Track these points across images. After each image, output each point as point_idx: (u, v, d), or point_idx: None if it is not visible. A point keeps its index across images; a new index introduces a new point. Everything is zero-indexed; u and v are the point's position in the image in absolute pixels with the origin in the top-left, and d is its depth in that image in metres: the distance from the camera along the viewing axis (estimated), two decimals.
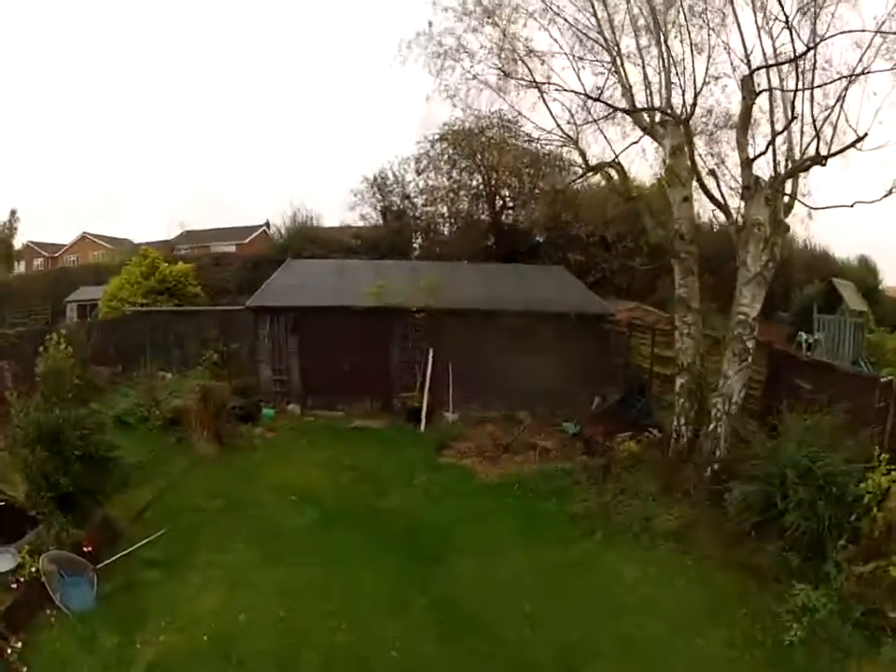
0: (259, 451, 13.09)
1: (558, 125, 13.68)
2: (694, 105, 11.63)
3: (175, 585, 8.10)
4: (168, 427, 13.82)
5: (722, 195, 11.75)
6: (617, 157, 13.30)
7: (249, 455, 12.90)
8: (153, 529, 9.38)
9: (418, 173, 24.66)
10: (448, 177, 24.81)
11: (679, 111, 11.74)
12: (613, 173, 13.73)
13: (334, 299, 16.14)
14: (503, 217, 25.50)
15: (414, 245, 26.04)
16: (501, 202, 25.28)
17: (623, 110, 12.55)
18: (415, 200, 26.25)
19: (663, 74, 11.83)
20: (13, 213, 48.66)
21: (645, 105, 12.22)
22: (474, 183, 25.30)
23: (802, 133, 10.75)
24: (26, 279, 37.27)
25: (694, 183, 11.95)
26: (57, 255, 48.63)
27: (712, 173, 12.09)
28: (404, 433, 14.47)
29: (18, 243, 49.46)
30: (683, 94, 11.79)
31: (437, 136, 24.28)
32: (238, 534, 9.64)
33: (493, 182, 24.81)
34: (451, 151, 24.47)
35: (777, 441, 8.90)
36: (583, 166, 13.88)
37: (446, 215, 26.22)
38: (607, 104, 12.45)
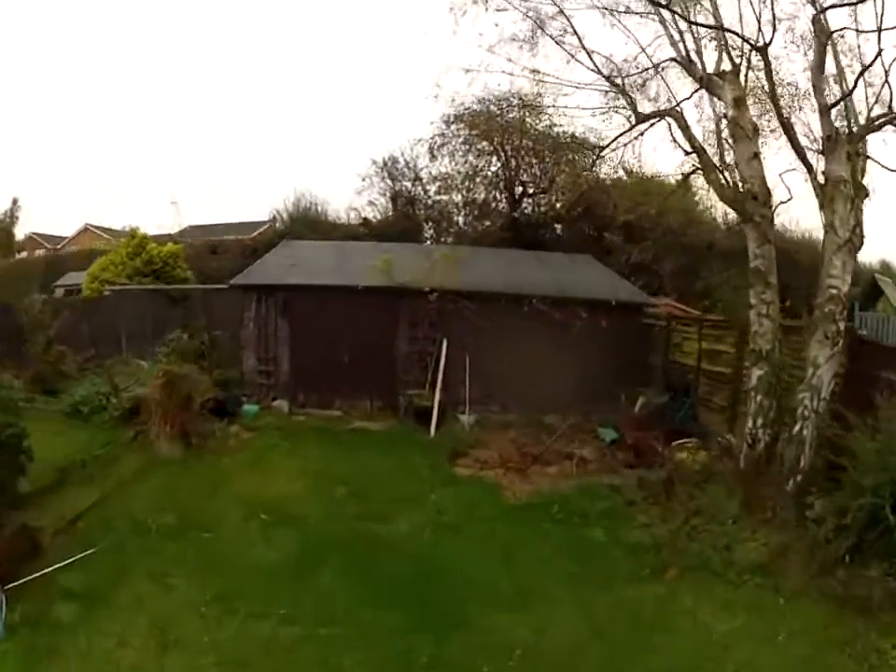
0: (232, 454, 10.22)
1: (601, 73, 11.15)
2: (774, 30, 9.30)
3: (89, 631, 5.76)
4: (127, 420, 11.29)
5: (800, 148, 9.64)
6: (678, 103, 10.83)
7: (219, 458, 10.05)
8: (82, 545, 7.19)
9: (432, 154, 21.83)
10: (464, 161, 22.03)
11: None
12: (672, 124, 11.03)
13: (332, 277, 13.33)
14: (523, 205, 22.68)
15: (425, 234, 23.23)
16: (521, 188, 22.47)
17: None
18: (428, 187, 23.48)
19: None
20: (15, 201, 46.07)
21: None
22: (492, 169, 22.50)
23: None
24: (20, 264, 34.78)
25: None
26: (59, 246, 46.23)
27: (785, 124, 9.87)
28: (411, 437, 11.52)
29: (20, 233, 46.87)
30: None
31: (452, 116, 21.55)
32: (183, 565, 6.97)
33: (513, 167, 22.03)
34: (467, 133, 21.74)
35: (882, 443, 6.69)
36: (634, 117, 11.20)
37: (461, 204, 23.40)
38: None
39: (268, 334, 12.91)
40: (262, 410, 12.40)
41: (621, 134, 11.63)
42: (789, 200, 11.25)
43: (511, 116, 21.14)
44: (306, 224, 21.85)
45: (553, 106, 13.72)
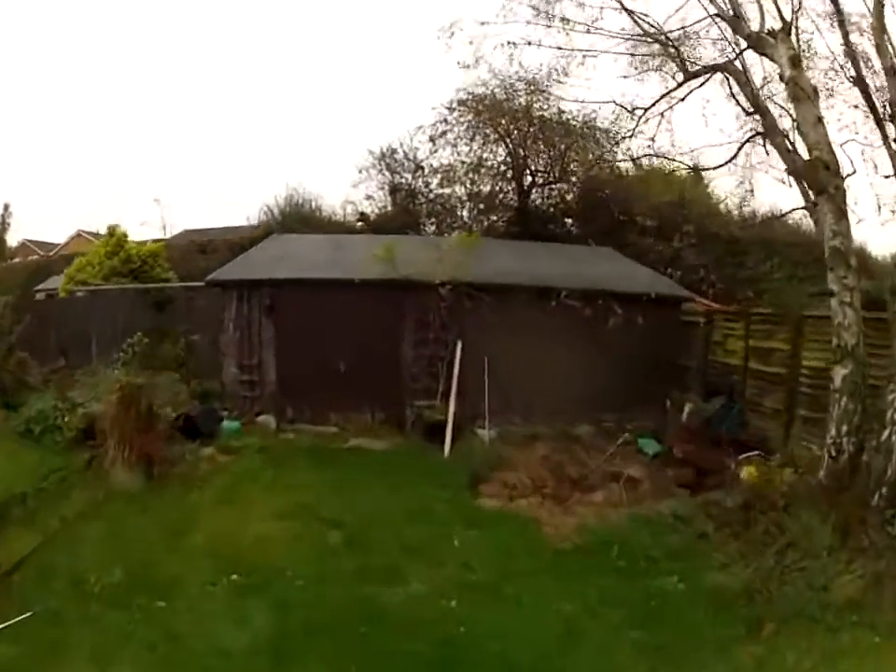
0: (203, 485, 8.13)
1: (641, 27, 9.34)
2: None
3: None
4: (82, 442, 9.26)
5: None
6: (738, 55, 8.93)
7: (188, 491, 7.98)
8: (18, 606, 5.39)
9: (432, 142, 19.75)
10: (468, 150, 19.99)
11: None
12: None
13: (325, 271, 11.26)
14: (531, 197, 20.63)
15: (427, 230, 21.16)
16: (531, 178, 20.43)
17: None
18: (429, 179, 21.38)
19: None
20: (6, 207, 43.74)
21: None
22: (498, 158, 20.46)
23: None
24: (4, 269, 32.73)
25: None
26: (52, 253, 44.14)
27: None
28: (422, 459, 9.42)
29: (13, 240, 44.65)
30: None
31: (455, 102, 19.57)
32: (129, 643, 5.00)
33: (521, 155, 20.00)
34: (471, 119, 19.75)
35: None
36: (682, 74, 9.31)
37: (464, 197, 21.32)
38: None
39: (251, 338, 10.84)
40: (245, 426, 10.32)
41: (667, 93, 9.78)
42: (852, 174, 9.71)
43: (518, 101, 19.40)
44: (299, 220, 19.74)
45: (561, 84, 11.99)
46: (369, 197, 21.26)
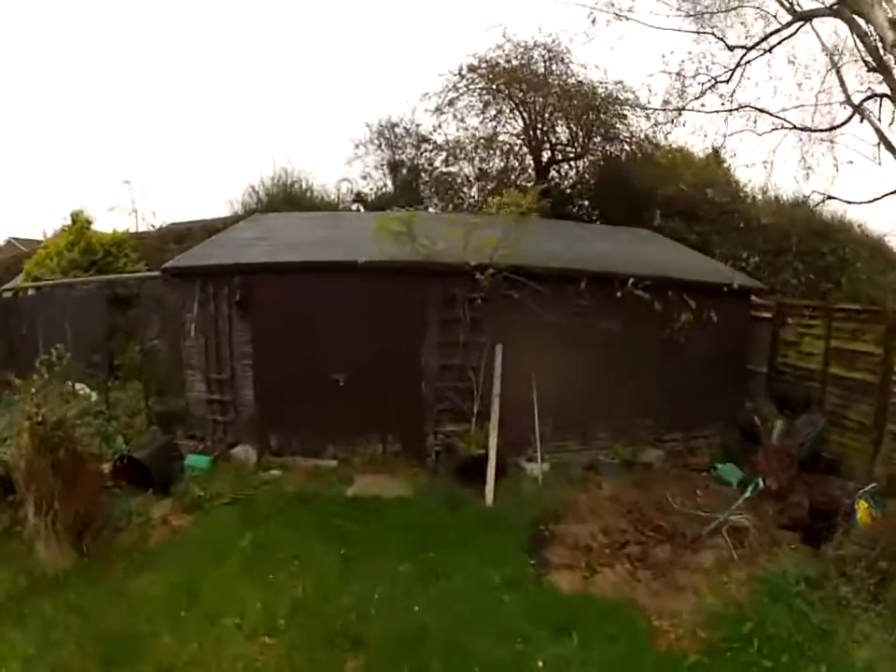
0: (155, 565, 5.50)
1: None
2: None
3: None
4: (2, 497, 6.48)
5: None
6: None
7: (134, 574, 5.37)
8: None
9: (440, 113, 17.05)
10: (479, 121, 17.33)
11: None
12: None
13: (316, 252, 8.52)
14: (551, 173, 18.02)
15: (432, 209, 18.51)
16: (550, 153, 17.78)
17: None
18: (432, 156, 18.69)
19: None
20: None
21: None
22: (512, 131, 17.81)
23: None
24: None
25: None
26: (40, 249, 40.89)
27: None
28: (457, 510, 6.74)
29: None
30: None
31: (466, 67, 16.89)
32: None
33: (540, 129, 17.35)
34: (484, 87, 17.08)
35: None
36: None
37: (472, 177, 18.69)
38: None
39: (219, 345, 8.16)
40: (216, 462, 7.70)
41: (772, 33, 7.29)
42: None
43: (536, 67, 16.75)
44: (287, 201, 16.98)
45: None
46: (366, 175, 18.51)
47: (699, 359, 8.60)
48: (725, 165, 18.29)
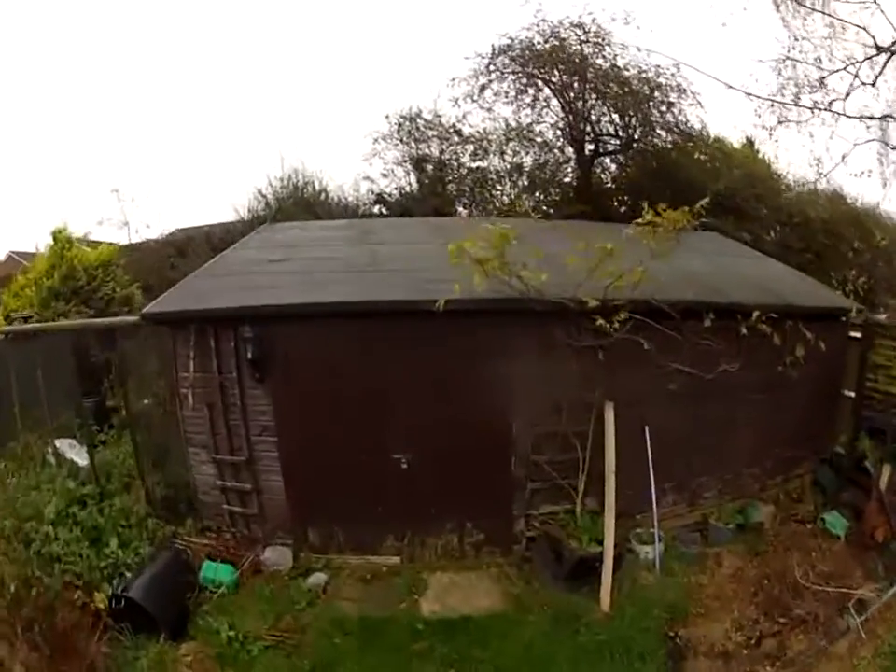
0: None
1: None
2: None
3: None
4: None
5: None
6: None
7: None
8: None
9: (471, 100, 15.07)
10: (512, 110, 15.37)
11: None
12: None
13: (358, 286, 6.39)
14: (595, 168, 16.07)
15: (460, 211, 16.52)
16: (594, 146, 15.78)
17: None
18: (458, 150, 16.71)
19: None
20: None
21: None
22: (550, 120, 15.84)
23: None
24: None
25: None
26: None
27: None
28: (567, 625, 5.14)
29: None
30: None
31: (498, 49, 14.95)
32: None
33: (582, 116, 15.36)
34: (518, 71, 15.15)
35: None
36: None
37: (501, 171, 16.71)
38: None
39: (229, 417, 6.12)
40: (243, 573, 5.84)
41: None
42: None
43: (574, 50, 14.79)
44: (300, 206, 15.01)
45: None
46: (387, 173, 16.47)
47: (800, 393, 7.13)
48: (762, 156, 16.72)
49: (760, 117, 10.81)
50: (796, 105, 9.22)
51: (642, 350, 5.77)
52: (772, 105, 9.74)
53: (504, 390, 5.92)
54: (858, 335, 8.20)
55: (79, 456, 7.87)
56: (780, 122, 9.98)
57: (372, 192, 16.30)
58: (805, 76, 9.13)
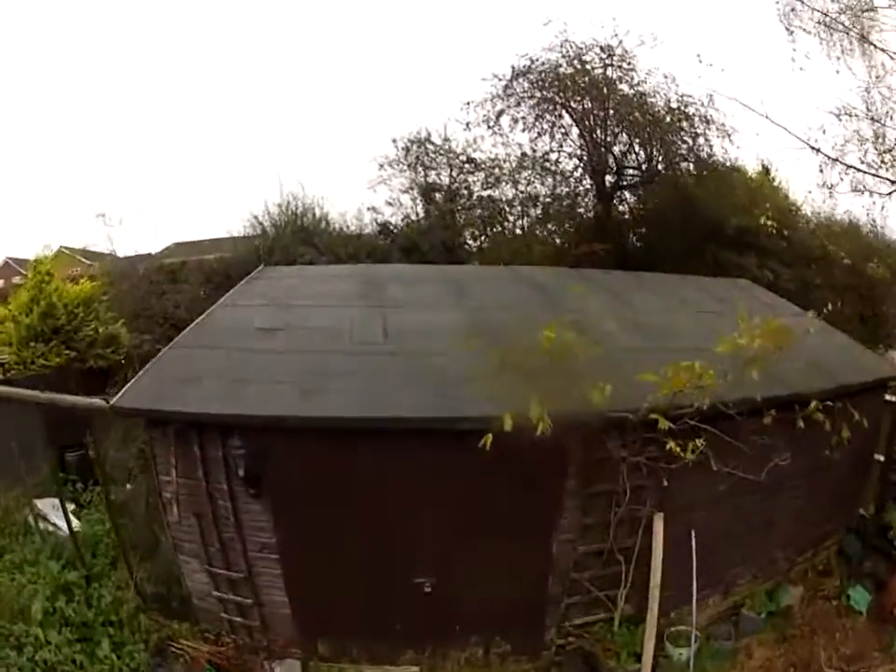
0: None
1: None
2: None
3: None
4: None
5: None
6: None
7: None
8: None
9: (488, 126, 14.31)
10: (536, 135, 14.61)
11: None
12: None
13: (371, 390, 5.38)
14: (616, 200, 15.31)
15: (469, 244, 15.69)
16: (615, 178, 15.02)
17: None
18: (468, 178, 15.94)
19: None
20: None
21: None
22: (569, 149, 15.10)
23: None
24: None
25: None
26: None
27: None
28: None
29: None
30: None
31: (518, 69, 14.24)
32: None
33: (603, 145, 14.62)
34: (539, 95, 14.42)
35: None
36: None
37: (514, 200, 15.92)
38: None
39: (221, 531, 5.38)
40: None
41: None
42: None
43: (595, 73, 14.07)
44: (298, 235, 14.13)
45: None
46: (392, 202, 15.68)
47: (837, 468, 6.66)
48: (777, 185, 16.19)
49: (822, 172, 10.13)
50: (876, 175, 8.44)
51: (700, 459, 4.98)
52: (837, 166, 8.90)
53: (543, 509, 5.12)
54: (893, 399, 7.72)
55: (64, 520, 7.17)
56: (856, 190, 9.20)
57: (377, 222, 15.50)
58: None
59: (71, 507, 7.54)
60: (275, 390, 5.30)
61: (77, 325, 10.93)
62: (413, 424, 4.94)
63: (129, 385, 5.71)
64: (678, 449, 4.60)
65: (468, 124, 14.74)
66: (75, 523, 7.06)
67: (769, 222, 13.83)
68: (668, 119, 13.91)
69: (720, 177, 14.29)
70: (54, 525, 7.33)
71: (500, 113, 14.09)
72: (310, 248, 13.71)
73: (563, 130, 14.68)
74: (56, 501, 7.41)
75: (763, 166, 16.12)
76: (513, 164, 15.51)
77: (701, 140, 14.02)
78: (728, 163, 14.47)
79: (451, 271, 9.94)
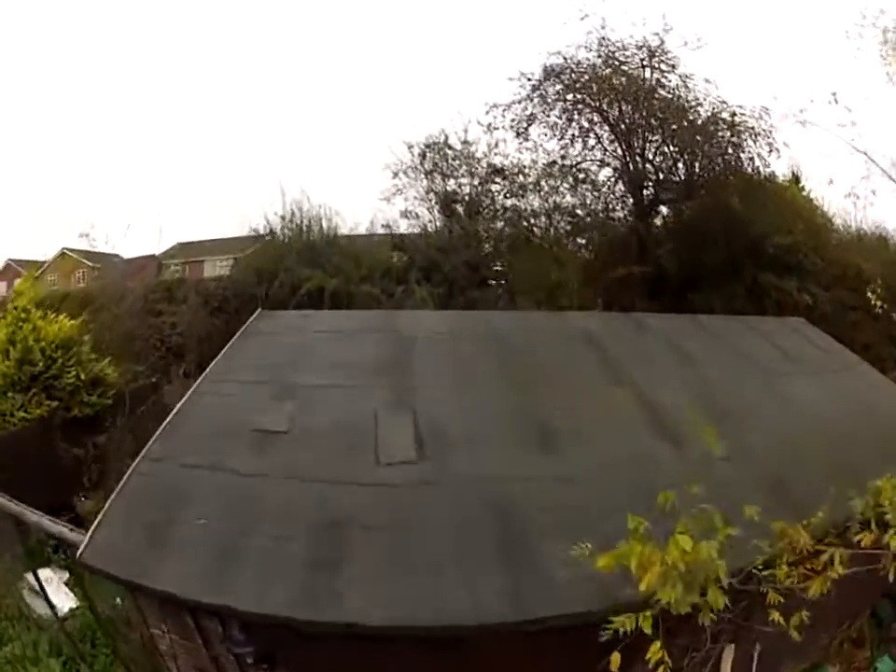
0: None
1: None
2: None
3: None
4: None
5: None
6: None
7: None
8: None
9: (517, 133, 12.94)
10: (561, 140, 13.20)
11: None
12: None
13: (419, 584, 3.90)
14: (654, 215, 13.90)
15: (494, 261, 14.21)
16: (652, 192, 13.57)
17: None
18: (490, 187, 14.41)
19: None
20: None
21: None
22: (601, 155, 13.66)
23: None
24: None
25: None
26: (38, 273, 37.11)
27: None
28: None
29: None
30: None
31: (548, 70, 12.82)
32: None
33: (642, 155, 13.19)
34: (570, 98, 12.99)
35: None
36: None
37: (539, 211, 14.45)
38: None
39: None
40: None
41: None
42: None
43: (632, 75, 12.58)
44: (304, 255, 12.70)
45: None
46: (408, 213, 14.21)
47: None
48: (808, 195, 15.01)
49: None
50: None
51: None
52: None
53: None
54: None
55: (58, 594, 6.74)
56: None
57: (391, 237, 14.05)
58: None
59: (64, 576, 7.02)
60: (276, 571, 3.97)
61: (57, 371, 9.67)
62: (468, 631, 3.64)
63: (96, 525, 4.44)
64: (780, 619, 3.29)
65: (488, 126, 13.40)
66: (69, 603, 6.58)
67: (809, 241, 13.25)
68: (712, 128, 12.58)
69: (765, 193, 13.09)
70: (52, 606, 6.50)
71: (532, 119, 12.69)
72: (317, 270, 12.38)
73: (596, 136, 13.29)
74: (49, 574, 6.89)
75: (794, 174, 14.80)
76: (539, 171, 14.13)
77: (748, 153, 12.75)
78: (769, 176, 13.28)
79: (490, 321, 8.55)
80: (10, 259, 39.47)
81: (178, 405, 6.02)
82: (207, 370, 6.70)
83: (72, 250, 36.57)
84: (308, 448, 5.16)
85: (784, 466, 5.40)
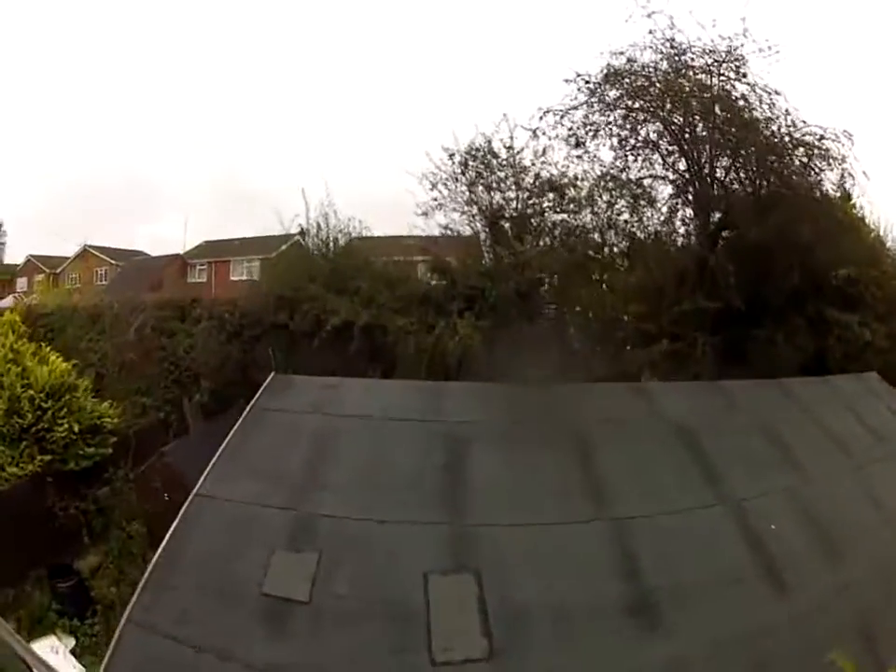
0: None
1: None
2: None
3: None
4: None
5: None
6: None
7: None
8: None
9: (577, 143, 11.38)
10: (623, 150, 11.60)
11: None
12: None
13: None
14: (720, 241, 12.23)
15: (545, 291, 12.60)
16: (720, 215, 11.94)
17: None
18: (538, 200, 12.73)
19: None
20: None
21: None
22: (657, 169, 12.07)
23: None
24: None
25: None
26: (59, 270, 38.02)
27: None
28: None
29: (13, 257, 38.14)
30: None
31: (607, 74, 11.24)
32: None
33: (710, 173, 11.56)
34: (629, 105, 11.41)
35: None
36: None
37: (594, 226, 12.75)
38: None
39: None
40: None
41: None
42: None
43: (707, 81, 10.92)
44: (333, 285, 11.29)
45: None
46: (445, 229, 12.55)
47: None
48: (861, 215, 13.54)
49: None
50: None
51: None
52: None
53: None
54: None
55: (65, 665, 6.50)
56: None
57: (425, 254, 12.54)
58: None
59: (70, 643, 7.04)
60: None
61: (48, 423, 8.44)
62: None
63: None
64: None
65: (534, 131, 11.76)
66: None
67: (871, 271, 12.07)
68: (788, 147, 10.95)
69: (834, 222, 11.62)
70: None
71: (595, 130, 11.09)
72: (345, 299, 10.99)
73: (657, 148, 11.63)
74: (55, 642, 6.85)
75: (845, 191, 13.09)
76: (593, 183, 12.48)
77: (820, 177, 11.18)
78: (837, 203, 11.94)
79: (564, 400, 7.11)
80: (31, 256, 39.23)
81: (172, 527, 4.73)
82: (210, 465, 5.41)
83: (94, 247, 36.12)
84: (338, 632, 3.82)
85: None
